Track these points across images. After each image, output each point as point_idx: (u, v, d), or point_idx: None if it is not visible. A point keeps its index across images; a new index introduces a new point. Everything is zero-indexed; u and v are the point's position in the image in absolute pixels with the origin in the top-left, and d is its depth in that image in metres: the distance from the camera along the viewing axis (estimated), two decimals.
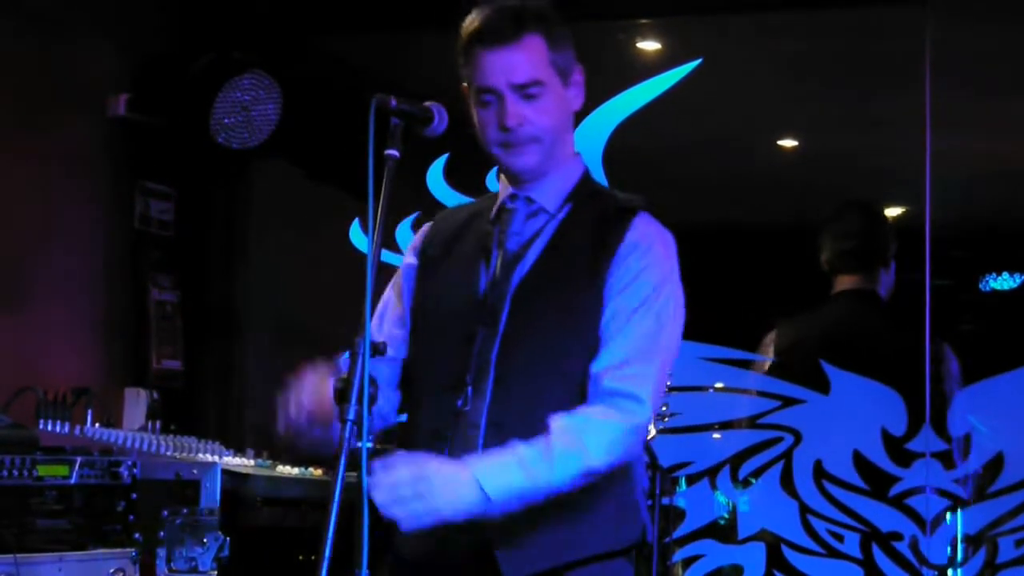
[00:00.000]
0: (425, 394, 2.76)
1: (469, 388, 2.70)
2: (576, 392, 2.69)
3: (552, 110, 2.75)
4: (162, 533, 3.71)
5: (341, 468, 2.37)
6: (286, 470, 4.43)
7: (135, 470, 3.67)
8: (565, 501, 2.64)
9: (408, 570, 2.73)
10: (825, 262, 4.90)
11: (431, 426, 2.72)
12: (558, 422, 2.60)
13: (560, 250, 2.76)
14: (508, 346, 2.70)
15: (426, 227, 2.94)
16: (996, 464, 4.77)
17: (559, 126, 2.77)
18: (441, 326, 2.77)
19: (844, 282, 4.85)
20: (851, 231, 4.87)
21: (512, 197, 2.81)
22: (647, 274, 2.72)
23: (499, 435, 2.65)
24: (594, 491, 2.67)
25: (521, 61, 2.72)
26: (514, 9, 2.74)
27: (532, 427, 2.63)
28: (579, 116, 4.83)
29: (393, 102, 2.57)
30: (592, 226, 2.76)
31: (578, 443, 2.58)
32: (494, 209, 2.84)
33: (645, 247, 2.74)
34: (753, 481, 4.95)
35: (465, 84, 2.78)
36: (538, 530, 2.66)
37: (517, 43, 2.72)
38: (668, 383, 3.87)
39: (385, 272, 2.70)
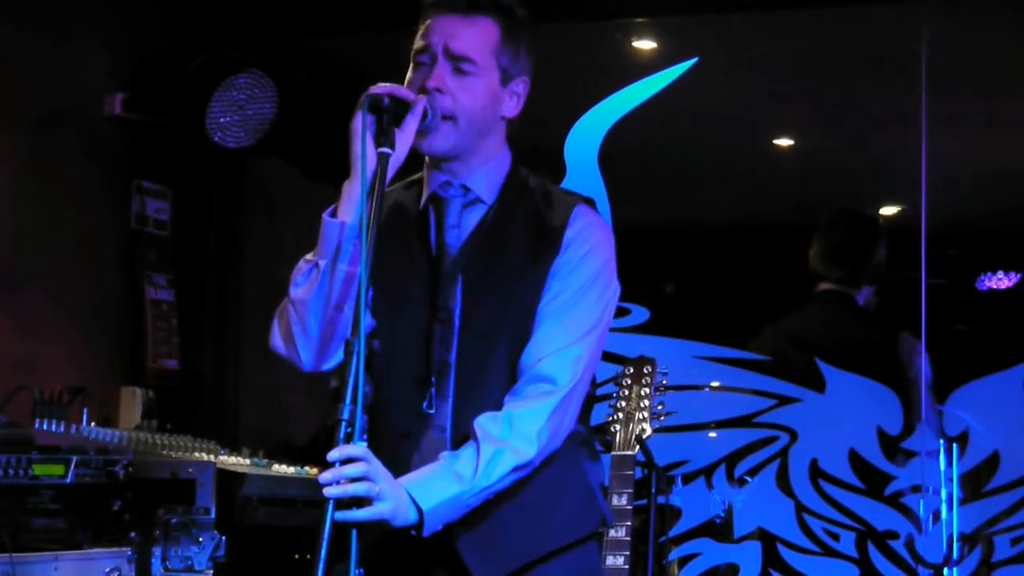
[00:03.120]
0: (387, 394, 2.68)
1: (432, 389, 2.68)
2: None
3: (478, 96, 2.68)
4: (158, 532, 3.71)
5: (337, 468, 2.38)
6: (282, 469, 4.43)
7: (131, 469, 3.66)
8: (526, 501, 2.66)
9: None
10: (812, 267, 4.95)
11: (399, 427, 2.69)
12: (482, 424, 2.59)
13: (502, 243, 2.72)
14: (466, 345, 2.68)
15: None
16: (991, 463, 4.77)
17: (481, 117, 2.69)
18: (395, 325, 2.71)
19: (825, 284, 4.91)
20: (843, 245, 4.91)
21: (445, 185, 2.75)
22: (587, 262, 2.71)
23: (462, 439, 2.64)
24: (551, 487, 2.69)
25: (465, 33, 2.68)
26: None
27: None
28: (576, 115, 4.86)
29: (386, 100, 2.57)
30: (533, 217, 2.73)
31: (503, 441, 2.57)
32: (424, 197, 2.78)
33: (586, 237, 2.71)
34: (749, 480, 4.95)
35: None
36: (504, 532, 2.66)
37: (467, 17, 2.69)
38: (663, 381, 3.88)
39: None
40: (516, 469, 2.59)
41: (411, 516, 2.50)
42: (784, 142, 6.83)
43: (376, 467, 2.43)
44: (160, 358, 5.28)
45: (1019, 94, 5.82)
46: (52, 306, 4.96)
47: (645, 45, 5.48)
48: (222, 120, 5.04)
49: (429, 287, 2.72)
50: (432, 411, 2.68)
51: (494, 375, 2.68)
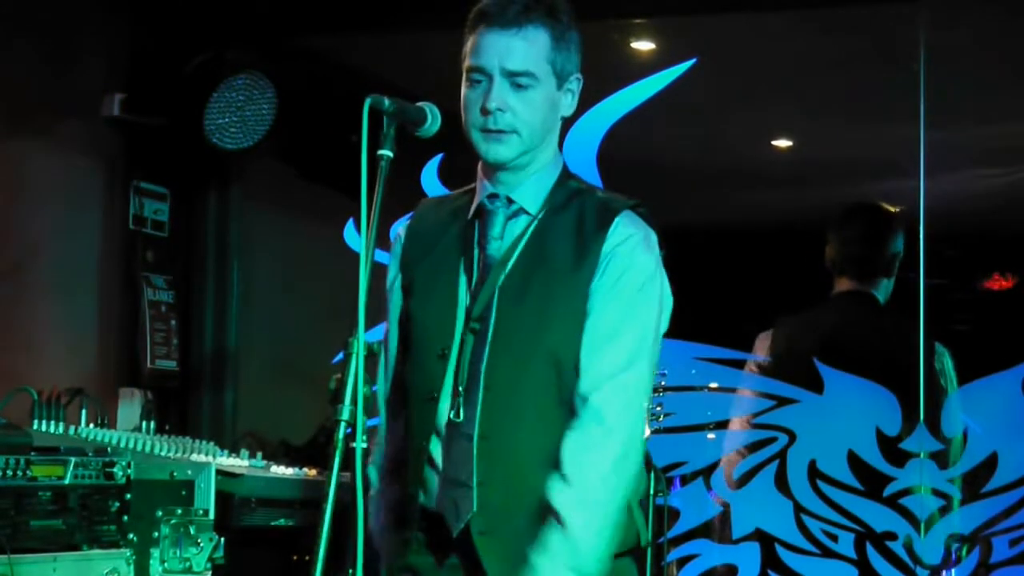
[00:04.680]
0: (417, 403, 2.75)
1: (460, 398, 2.69)
2: (561, 399, 2.68)
3: (538, 106, 2.72)
4: (156, 533, 3.70)
5: (335, 468, 2.38)
6: (280, 470, 4.43)
7: (129, 470, 3.66)
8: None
9: None
10: (828, 262, 4.93)
11: (427, 433, 2.72)
12: (559, 497, 2.62)
13: (542, 255, 2.73)
14: (496, 355, 2.69)
15: (402, 232, 2.89)
16: (990, 464, 4.77)
17: (542, 125, 2.74)
18: (429, 335, 2.75)
19: (843, 284, 4.88)
20: (859, 237, 4.89)
21: (491, 197, 2.78)
22: (629, 278, 2.71)
23: (488, 447, 2.67)
24: None
25: (519, 48, 2.70)
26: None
27: (516, 437, 2.66)
28: (573, 116, 4.86)
29: (386, 102, 2.56)
30: (574, 229, 2.74)
31: (589, 512, 2.61)
32: (472, 208, 2.81)
33: (626, 250, 2.72)
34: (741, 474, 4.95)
35: (462, 63, 2.76)
36: (526, 542, 2.65)
37: (519, 30, 2.71)
38: (661, 382, 3.89)
39: (379, 271, 2.70)
40: (612, 527, 2.65)
41: None
42: (782, 143, 6.83)
43: None
44: (158, 359, 5.28)
45: (1017, 93, 5.82)
46: (50, 307, 4.96)
47: (643, 46, 5.48)
48: (220, 121, 5.03)
49: (466, 297, 2.74)
50: (459, 419, 2.69)
51: (524, 386, 2.68)
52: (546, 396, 2.68)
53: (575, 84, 2.80)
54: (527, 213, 2.77)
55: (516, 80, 2.70)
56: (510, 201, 2.77)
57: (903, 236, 4.94)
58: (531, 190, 2.77)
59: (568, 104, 2.80)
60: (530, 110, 2.71)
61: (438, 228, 2.82)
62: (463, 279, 2.76)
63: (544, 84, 2.72)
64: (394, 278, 2.88)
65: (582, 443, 2.63)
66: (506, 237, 2.76)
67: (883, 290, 4.89)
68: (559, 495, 2.62)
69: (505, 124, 2.69)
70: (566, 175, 2.82)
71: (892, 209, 5.08)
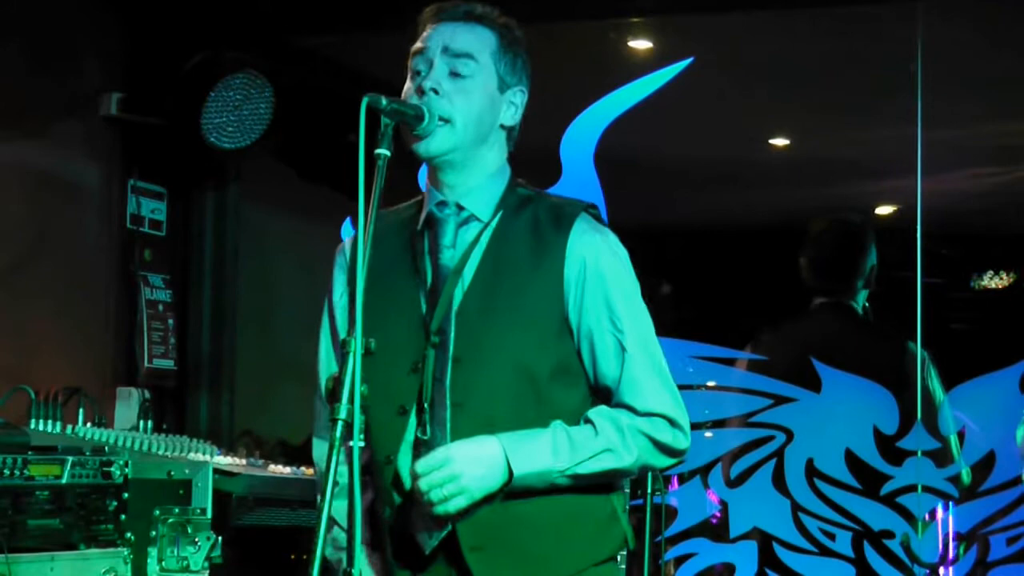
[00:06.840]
0: (378, 424, 2.64)
1: (426, 415, 2.63)
2: (536, 408, 2.65)
3: (475, 98, 2.66)
4: (154, 532, 3.70)
5: (332, 467, 2.36)
6: (278, 469, 4.43)
7: (127, 469, 3.66)
8: (544, 522, 2.64)
9: None
10: (803, 277, 4.96)
11: (386, 453, 2.66)
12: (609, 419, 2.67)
13: (500, 261, 2.68)
14: (461, 368, 2.63)
15: (348, 245, 2.83)
16: (987, 462, 4.78)
17: (478, 120, 2.67)
18: (394, 348, 2.63)
19: (821, 298, 4.93)
20: (830, 255, 4.92)
21: (440, 204, 2.72)
22: (614, 293, 2.69)
23: None
24: (572, 508, 2.66)
25: (464, 33, 2.68)
26: (480, 6, 2.72)
27: None
28: (571, 115, 4.87)
29: (383, 101, 2.55)
30: (530, 233, 2.69)
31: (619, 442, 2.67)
32: (421, 218, 2.75)
33: (594, 258, 2.68)
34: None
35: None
36: (521, 554, 2.64)
37: (465, 23, 2.69)
38: None
39: None
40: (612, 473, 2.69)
41: (499, 479, 2.58)
42: (780, 142, 6.83)
43: (459, 465, 2.53)
44: (155, 358, 5.28)
45: (1014, 94, 5.82)
46: (48, 306, 4.95)
47: (641, 45, 5.48)
48: (217, 120, 5.03)
49: (422, 310, 2.69)
50: (426, 436, 2.63)
51: (498, 402, 2.63)
52: (525, 411, 2.63)
53: (519, 98, 2.74)
54: (478, 220, 2.71)
55: (456, 65, 2.65)
56: (460, 208, 2.71)
57: (874, 247, 4.96)
58: (481, 197, 2.71)
59: (510, 115, 2.73)
60: (466, 99, 2.65)
61: (387, 240, 2.70)
62: (419, 290, 2.69)
63: (484, 74, 2.67)
64: (342, 292, 2.82)
65: (656, 428, 2.76)
66: (458, 245, 2.70)
67: (861, 300, 4.93)
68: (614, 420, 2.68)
69: (440, 110, 2.64)
70: (515, 183, 2.77)
71: (859, 221, 5.11)
